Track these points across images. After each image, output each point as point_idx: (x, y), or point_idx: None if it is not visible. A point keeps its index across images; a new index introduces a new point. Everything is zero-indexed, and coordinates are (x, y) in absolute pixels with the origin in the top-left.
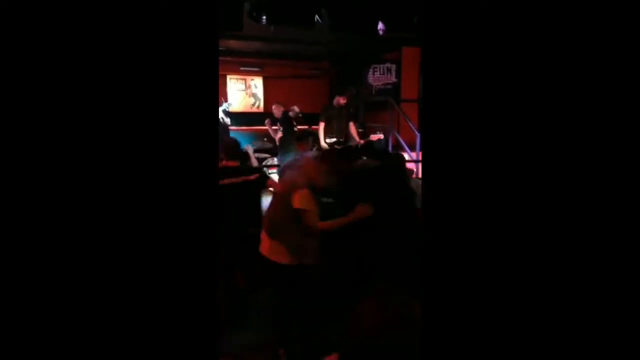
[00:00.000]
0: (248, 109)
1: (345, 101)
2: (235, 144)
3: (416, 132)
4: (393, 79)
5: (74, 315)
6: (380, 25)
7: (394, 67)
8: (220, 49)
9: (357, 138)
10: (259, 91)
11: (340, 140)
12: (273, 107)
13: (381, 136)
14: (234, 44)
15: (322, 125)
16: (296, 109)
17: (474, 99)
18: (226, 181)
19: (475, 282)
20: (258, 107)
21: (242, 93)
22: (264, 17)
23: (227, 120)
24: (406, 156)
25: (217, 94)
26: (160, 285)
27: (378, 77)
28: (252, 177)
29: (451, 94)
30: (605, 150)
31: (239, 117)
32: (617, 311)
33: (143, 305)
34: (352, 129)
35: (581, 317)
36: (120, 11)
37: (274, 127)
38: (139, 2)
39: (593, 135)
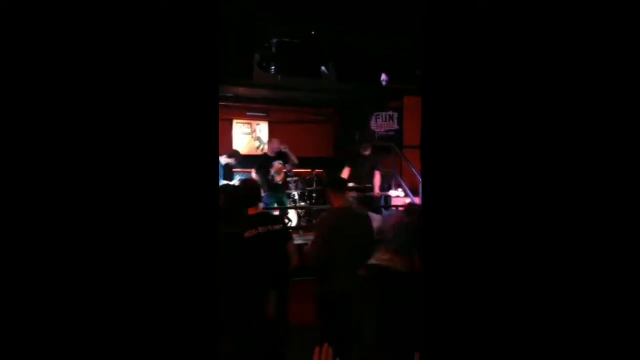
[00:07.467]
0: (253, 152)
1: (370, 152)
2: (254, 187)
3: (419, 177)
4: (395, 125)
5: (73, 319)
6: (384, 77)
7: (395, 114)
8: (228, 95)
9: (377, 189)
10: (264, 135)
11: (360, 187)
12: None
13: (401, 195)
14: (241, 90)
15: (347, 171)
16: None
17: (471, 137)
18: (252, 232)
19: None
20: (262, 150)
21: (247, 137)
22: (273, 67)
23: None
24: (408, 200)
25: (216, 126)
26: (159, 292)
27: (380, 123)
28: (277, 226)
29: (450, 132)
30: (605, 159)
31: (244, 160)
32: (616, 308)
33: (144, 313)
34: (377, 178)
35: (583, 322)
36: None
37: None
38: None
39: (592, 155)
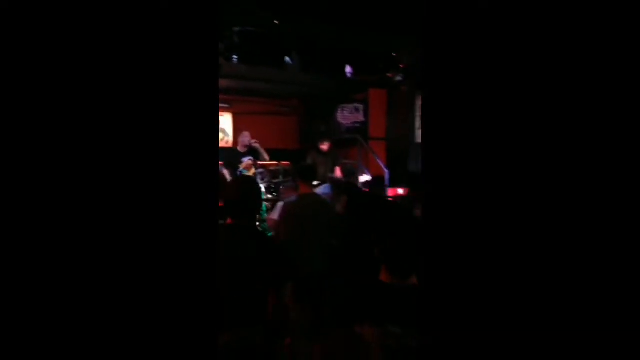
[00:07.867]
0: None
1: (328, 147)
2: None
3: (384, 169)
4: (361, 118)
5: (75, 312)
6: (348, 69)
7: (361, 107)
8: None
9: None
10: (228, 126)
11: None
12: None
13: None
14: None
15: None
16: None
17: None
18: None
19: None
20: (227, 142)
21: None
22: (236, 57)
23: None
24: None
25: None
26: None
27: (347, 116)
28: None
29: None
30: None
31: None
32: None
33: (145, 306)
34: (338, 173)
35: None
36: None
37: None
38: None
39: (593, 155)
